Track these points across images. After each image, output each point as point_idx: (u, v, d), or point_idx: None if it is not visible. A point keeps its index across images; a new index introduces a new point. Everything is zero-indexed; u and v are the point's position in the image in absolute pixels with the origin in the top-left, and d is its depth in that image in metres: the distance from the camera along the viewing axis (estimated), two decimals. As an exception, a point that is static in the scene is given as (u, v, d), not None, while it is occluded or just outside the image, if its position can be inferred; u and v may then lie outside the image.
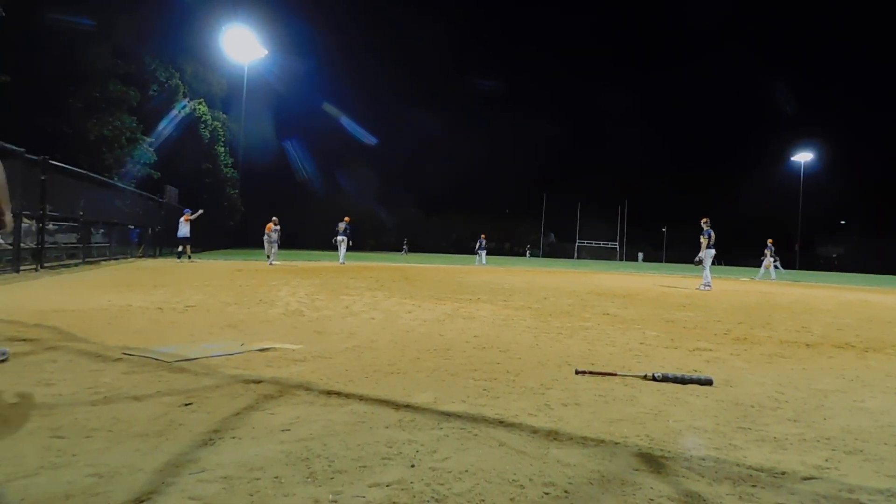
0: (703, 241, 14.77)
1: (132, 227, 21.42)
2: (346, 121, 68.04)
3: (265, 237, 20.60)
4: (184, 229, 20.50)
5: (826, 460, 2.41)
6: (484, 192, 77.83)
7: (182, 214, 21.01)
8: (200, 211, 21.78)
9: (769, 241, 23.65)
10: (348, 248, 21.97)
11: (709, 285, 14.67)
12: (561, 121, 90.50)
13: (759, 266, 24.19)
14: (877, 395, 3.63)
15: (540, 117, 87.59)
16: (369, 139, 68.41)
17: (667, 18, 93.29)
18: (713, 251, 14.95)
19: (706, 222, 14.74)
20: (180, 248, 20.76)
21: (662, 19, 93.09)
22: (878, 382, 4.04)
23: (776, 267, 23.95)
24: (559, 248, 78.03)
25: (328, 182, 65.81)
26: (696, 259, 15.07)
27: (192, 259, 20.77)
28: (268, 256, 20.27)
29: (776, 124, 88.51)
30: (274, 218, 20.68)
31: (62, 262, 14.08)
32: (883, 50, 76.89)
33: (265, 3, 45.99)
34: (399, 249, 54.99)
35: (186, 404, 2.89)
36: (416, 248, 59.79)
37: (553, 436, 2.59)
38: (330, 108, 66.41)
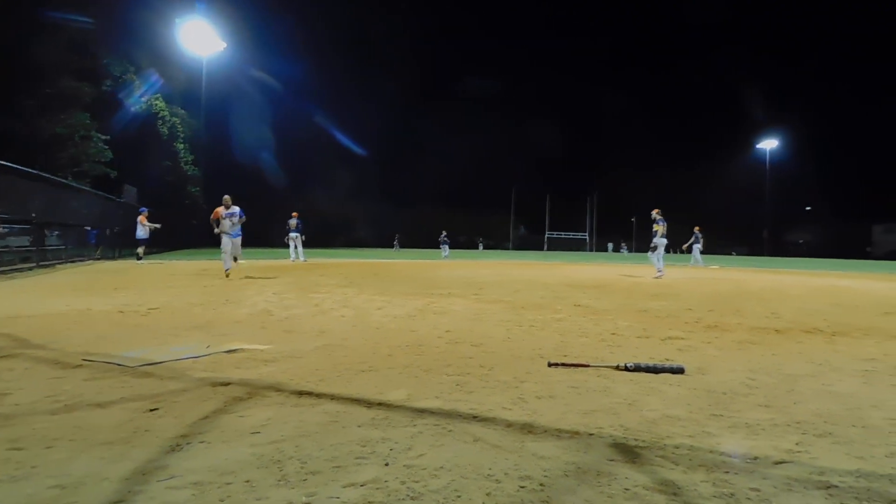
0: (659, 228, 15.10)
1: (89, 228, 20.80)
2: (315, 116, 67.27)
3: (218, 231, 12.65)
4: (141, 230, 19.93)
5: (797, 444, 2.45)
6: (454, 186, 77.80)
7: (139, 214, 20.43)
8: (158, 226, 20.69)
9: (696, 228, 24.33)
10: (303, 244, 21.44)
11: (661, 271, 15.09)
12: (529, 115, 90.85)
13: (702, 254, 24.89)
14: (845, 379, 3.73)
15: (508, 112, 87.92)
16: (340, 135, 67.79)
17: (633, 13, 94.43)
18: (665, 240, 15.29)
19: (658, 212, 15.11)
20: (139, 250, 20.08)
21: (626, 14, 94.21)
22: (846, 366, 4.15)
23: (700, 252, 24.75)
24: (530, 241, 78.64)
25: (297, 179, 64.90)
26: (652, 245, 15.39)
27: (142, 261, 19.37)
28: (231, 258, 12.62)
29: (741, 114, 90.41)
30: (226, 197, 12.83)
31: (14, 267, 13.58)
32: (848, 37, 79.14)
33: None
34: (389, 245, 54.09)
35: (153, 409, 2.81)
36: (388, 242, 59.41)
37: (528, 429, 2.59)
38: (299, 103, 65.45)
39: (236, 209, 12.78)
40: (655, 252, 15.26)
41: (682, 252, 25.87)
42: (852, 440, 2.53)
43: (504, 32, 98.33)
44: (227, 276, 12.04)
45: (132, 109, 32.93)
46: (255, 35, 55.18)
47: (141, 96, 33.56)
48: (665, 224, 15.10)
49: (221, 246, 12.64)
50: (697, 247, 24.34)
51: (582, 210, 77.23)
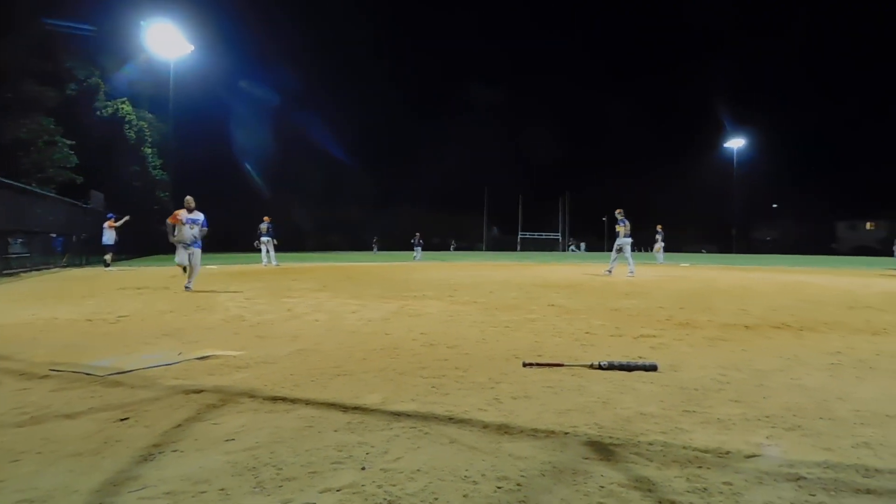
0: (620, 229, 15.35)
1: (55, 235, 20.29)
2: (288, 118, 66.50)
3: (174, 237, 10.64)
4: (108, 236, 19.51)
5: (767, 438, 2.51)
6: (428, 188, 77.81)
7: (106, 220, 20.00)
8: (126, 217, 20.48)
9: (658, 226, 24.81)
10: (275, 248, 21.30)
11: (610, 270, 15.50)
12: (502, 117, 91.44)
13: (666, 251, 25.52)
14: (812, 373, 3.82)
15: (481, 114, 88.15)
16: (314, 138, 67.32)
17: (606, 18, 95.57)
18: (630, 239, 15.53)
19: (620, 212, 15.35)
20: (107, 257, 19.67)
21: (602, 18, 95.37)
22: (813, 360, 4.25)
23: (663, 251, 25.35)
24: (503, 241, 78.99)
25: (269, 182, 64.06)
26: (616, 247, 15.64)
27: (110, 268, 19.01)
28: (184, 270, 10.88)
29: (710, 114, 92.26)
30: (188, 199, 10.74)
31: (-22, 276, 13.21)
32: (811, 38, 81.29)
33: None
34: (363, 248, 53.61)
35: (123, 419, 2.76)
36: (360, 244, 59.05)
37: (504, 430, 2.60)
38: (270, 106, 64.53)
39: (200, 216, 10.72)
40: (621, 252, 15.48)
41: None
42: (820, 432, 2.59)
43: (473, 34, 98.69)
44: (188, 289, 10.03)
45: (98, 114, 32.27)
46: (224, 37, 54.49)
47: (107, 100, 32.91)
48: (626, 224, 15.31)
49: (177, 258, 10.66)
50: (661, 245, 24.85)
51: (554, 210, 77.89)
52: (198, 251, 10.61)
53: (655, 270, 19.04)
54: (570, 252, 61.80)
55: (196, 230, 10.60)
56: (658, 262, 24.36)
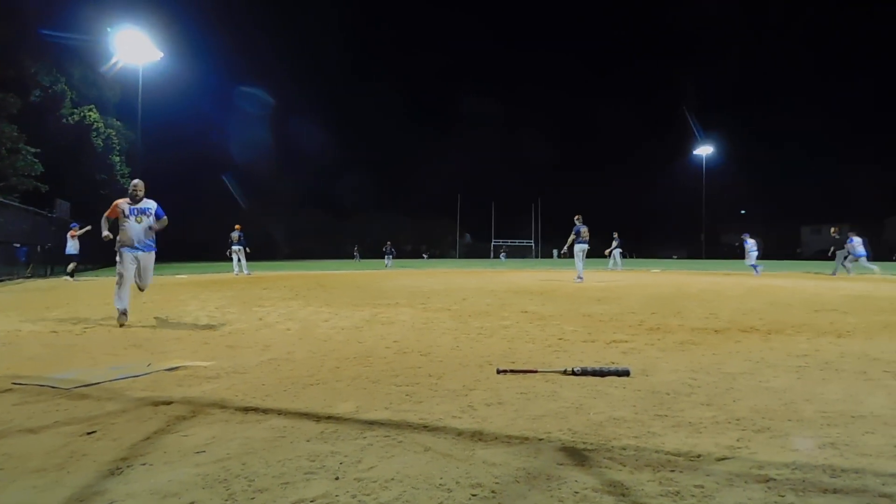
0: (572, 237, 15.49)
1: (18, 245, 19.76)
2: (260, 125, 66.02)
3: (118, 241, 7.29)
4: (71, 245, 19.06)
5: (737, 440, 2.54)
6: (399, 195, 77.91)
7: (69, 230, 19.54)
8: (88, 227, 20.00)
9: (615, 233, 25.27)
10: (246, 257, 21.13)
11: (580, 278, 15.62)
12: (475, 124, 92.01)
13: (624, 257, 26.09)
14: (780, 375, 3.89)
15: (456, 122, 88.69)
16: (286, 144, 66.87)
17: (585, 23, 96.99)
18: (585, 245, 15.66)
19: (578, 218, 15.50)
20: (70, 267, 19.19)
21: (578, 21, 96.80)
22: (780, 362, 4.33)
23: (623, 256, 25.86)
24: (476, 249, 79.24)
25: (241, 190, 63.33)
26: (563, 251, 15.79)
27: (75, 278, 18.62)
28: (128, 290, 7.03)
29: (680, 121, 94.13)
30: (136, 182, 7.54)
31: (-63, 287, 12.80)
32: (785, 47, 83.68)
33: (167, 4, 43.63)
34: (335, 256, 53.31)
35: (89, 433, 2.69)
36: (340, 252, 58.75)
37: (478, 437, 2.60)
38: (242, 113, 63.92)
39: (152, 204, 7.45)
40: (580, 258, 15.62)
41: (632, 257, 26.73)
42: (788, 433, 2.64)
43: (457, 41, 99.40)
44: (121, 323, 6.69)
45: (64, 121, 31.58)
46: (195, 43, 54.00)
47: (73, 107, 32.26)
48: (580, 231, 15.40)
49: (117, 266, 7.21)
50: (618, 251, 25.25)
51: (527, 217, 78.46)
52: (150, 255, 7.47)
53: (628, 276, 19.26)
54: (501, 260, 61.66)
55: (147, 223, 7.35)
56: (611, 269, 24.80)
